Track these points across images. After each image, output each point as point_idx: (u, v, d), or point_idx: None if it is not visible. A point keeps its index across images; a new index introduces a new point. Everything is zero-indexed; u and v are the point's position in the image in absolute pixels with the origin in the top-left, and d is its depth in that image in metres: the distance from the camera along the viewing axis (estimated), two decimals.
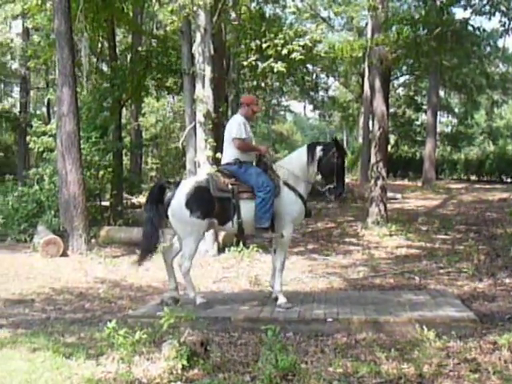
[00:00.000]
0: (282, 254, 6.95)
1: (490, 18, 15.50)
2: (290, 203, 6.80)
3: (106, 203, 17.64)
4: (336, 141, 7.11)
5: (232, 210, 6.71)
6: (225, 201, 6.70)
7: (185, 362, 4.64)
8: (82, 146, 13.83)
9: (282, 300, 6.75)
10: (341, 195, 7.13)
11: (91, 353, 5.25)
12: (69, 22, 12.81)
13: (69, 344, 5.66)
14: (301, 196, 6.87)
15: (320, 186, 7.11)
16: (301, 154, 7.08)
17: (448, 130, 43.35)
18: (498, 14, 15.77)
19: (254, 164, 7.05)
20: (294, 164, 6.99)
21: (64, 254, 12.12)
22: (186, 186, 6.75)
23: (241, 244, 11.77)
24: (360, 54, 18.34)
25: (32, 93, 33.04)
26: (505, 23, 16.21)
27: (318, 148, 7.00)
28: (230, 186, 6.73)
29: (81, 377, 4.58)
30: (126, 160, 24.61)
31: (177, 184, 6.91)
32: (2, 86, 32.45)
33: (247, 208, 6.70)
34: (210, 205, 6.66)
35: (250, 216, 6.70)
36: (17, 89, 32.13)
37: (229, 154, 7.02)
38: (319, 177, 7.13)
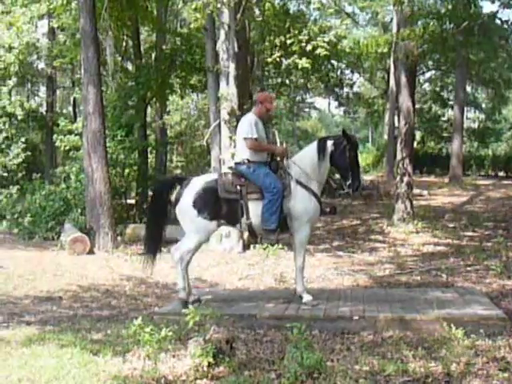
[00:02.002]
0: (301, 254, 6.84)
1: None
2: (303, 202, 6.68)
3: (131, 201, 17.79)
4: (345, 133, 6.96)
5: (240, 212, 6.64)
6: (233, 202, 6.63)
7: (210, 360, 4.63)
8: (107, 145, 13.95)
9: (307, 298, 6.71)
10: (358, 189, 7.01)
11: (118, 350, 5.27)
12: (94, 21, 12.91)
13: (96, 341, 5.70)
14: (315, 194, 6.75)
15: (334, 181, 7.04)
16: (311, 150, 6.93)
17: (475, 125, 42.79)
18: None
19: (266, 163, 6.90)
20: (305, 161, 6.83)
21: (90, 252, 12.23)
22: (195, 186, 6.68)
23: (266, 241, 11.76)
24: (385, 50, 18.21)
25: (58, 92, 33.40)
26: None
27: (329, 143, 6.87)
28: (238, 187, 6.65)
29: (108, 374, 4.61)
30: (150, 158, 24.75)
31: (187, 182, 6.83)
32: (29, 85, 32.79)
33: (256, 209, 6.61)
34: (217, 206, 6.60)
35: (259, 217, 6.62)
36: (43, 88, 32.47)
37: (240, 153, 6.94)
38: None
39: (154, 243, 7.02)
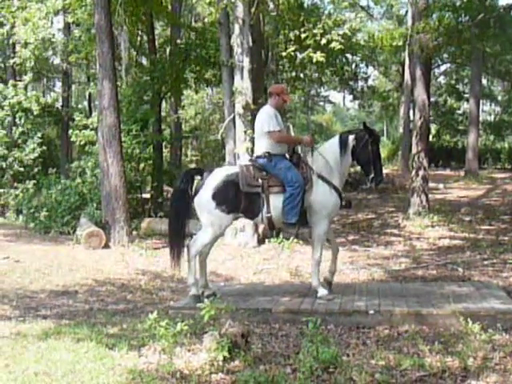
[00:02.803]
0: (318, 248, 6.80)
1: None
2: (324, 196, 6.66)
3: (146, 195, 17.85)
4: (367, 127, 6.91)
5: (261, 205, 6.63)
6: (254, 195, 6.63)
7: (226, 354, 4.63)
8: (122, 139, 14.00)
9: (322, 292, 6.69)
10: (380, 183, 6.99)
11: (133, 344, 5.29)
12: (108, 17, 12.94)
13: (111, 335, 5.73)
14: (336, 188, 6.73)
15: (356, 175, 7.02)
16: (333, 145, 6.91)
17: (491, 118, 42.42)
18: None
19: (286, 156, 6.89)
20: (327, 156, 6.80)
21: (106, 246, 12.29)
22: (216, 178, 6.66)
23: (281, 235, 11.76)
24: (400, 43, 18.11)
25: (74, 87, 33.53)
26: None
27: (351, 137, 6.85)
28: (260, 181, 6.64)
29: (123, 368, 4.63)
30: (165, 152, 24.80)
31: (208, 172, 6.82)
32: (45, 80, 33.00)
33: (277, 202, 6.60)
34: (237, 200, 6.58)
35: (279, 210, 6.60)
36: (59, 83, 32.67)
37: (260, 146, 6.89)
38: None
39: (178, 238, 6.97)
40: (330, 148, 6.93)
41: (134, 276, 9.38)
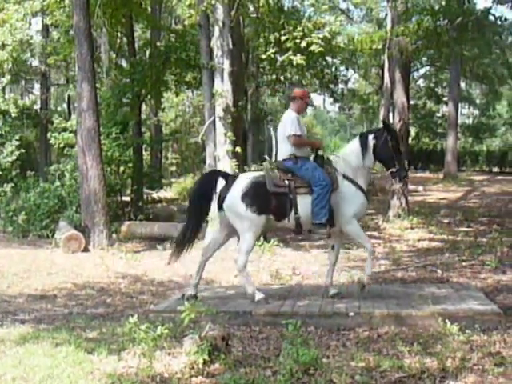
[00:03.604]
0: (364, 240, 6.88)
1: (511, 7, 15.26)
2: (350, 196, 6.70)
3: (126, 198, 17.75)
4: (386, 124, 7.05)
5: (289, 206, 6.64)
6: (281, 196, 6.64)
7: (206, 357, 4.62)
8: (102, 142, 13.93)
9: (367, 276, 6.84)
10: (406, 177, 7.07)
11: (113, 348, 5.25)
12: (87, 18, 12.86)
13: (91, 339, 5.68)
14: (361, 188, 6.78)
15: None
16: (354, 146, 6.98)
17: (469, 121, 42.89)
18: None
19: (310, 159, 6.95)
20: (350, 156, 6.88)
21: (85, 250, 12.20)
22: (243, 181, 6.69)
23: (261, 238, 11.75)
24: (380, 46, 18.16)
25: (52, 89, 33.27)
26: None
27: (370, 137, 6.92)
28: (286, 182, 6.66)
29: (102, 372, 4.59)
30: (146, 155, 24.75)
31: (233, 177, 6.88)
32: (23, 83, 32.68)
33: (304, 203, 6.61)
34: (266, 200, 6.59)
35: (307, 211, 6.61)
36: (37, 86, 32.37)
37: (284, 150, 6.91)
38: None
39: (190, 236, 6.97)
40: (351, 150, 6.99)
41: (114, 279, 9.30)
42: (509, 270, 8.95)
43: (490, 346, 5.12)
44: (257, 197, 6.57)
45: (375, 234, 13.71)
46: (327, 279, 7.12)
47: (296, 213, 6.63)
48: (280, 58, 15.14)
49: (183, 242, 7.00)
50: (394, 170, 6.88)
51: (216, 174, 7.40)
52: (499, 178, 27.12)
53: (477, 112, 42.72)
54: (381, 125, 7.41)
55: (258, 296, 6.65)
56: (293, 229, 6.90)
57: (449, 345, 5.15)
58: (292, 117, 6.94)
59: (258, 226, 6.69)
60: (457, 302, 6.37)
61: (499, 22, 17.70)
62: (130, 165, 17.02)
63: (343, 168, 6.80)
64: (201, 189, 7.07)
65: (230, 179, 6.83)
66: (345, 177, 6.74)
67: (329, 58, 22.86)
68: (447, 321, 5.60)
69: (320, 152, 7.04)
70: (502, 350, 5.04)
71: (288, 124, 6.87)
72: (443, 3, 16.49)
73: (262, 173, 6.91)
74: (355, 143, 7.00)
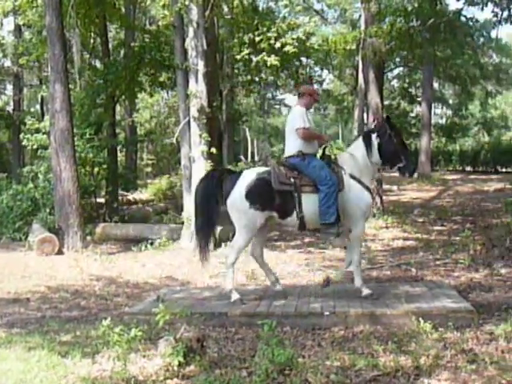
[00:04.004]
0: (357, 249, 6.82)
1: (482, 9, 15.48)
2: (357, 196, 6.67)
3: (101, 200, 17.61)
4: (389, 120, 7.05)
5: (293, 204, 6.59)
6: (286, 194, 6.59)
7: (181, 359, 4.60)
8: (76, 143, 13.80)
9: (366, 292, 6.71)
10: (415, 171, 7.07)
11: (87, 351, 5.21)
12: (60, 18, 12.74)
13: (64, 342, 5.62)
14: (367, 188, 6.77)
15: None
16: (359, 147, 6.94)
17: (443, 121, 43.39)
18: (490, 4, 15.75)
19: (317, 156, 6.90)
20: (356, 157, 6.85)
21: (59, 252, 12.08)
22: (248, 178, 6.64)
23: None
24: (353, 47, 18.28)
25: (25, 90, 32.90)
26: (497, 13, 16.20)
27: (373, 136, 6.91)
28: (291, 179, 6.60)
29: (76, 376, 4.55)
30: (120, 156, 24.57)
31: (237, 174, 6.82)
32: None
33: (309, 202, 6.57)
34: (271, 197, 6.56)
35: (311, 210, 6.57)
36: (10, 86, 31.99)
37: (292, 146, 6.85)
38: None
39: (206, 234, 6.96)
40: (356, 150, 6.95)
41: (89, 282, 9.22)
42: (481, 267, 9.06)
43: (463, 344, 5.18)
44: (261, 194, 6.53)
45: None
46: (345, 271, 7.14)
47: (300, 211, 6.58)
48: (254, 59, 15.14)
49: (203, 239, 6.98)
50: (401, 165, 6.90)
51: (218, 172, 7.32)
52: (472, 177, 27.46)
53: (450, 112, 43.26)
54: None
55: (234, 296, 6.64)
56: (297, 227, 6.89)
57: (423, 343, 5.20)
58: (301, 111, 6.90)
59: (258, 224, 6.64)
60: (430, 301, 6.43)
61: (471, 23, 17.95)
62: (105, 166, 16.88)
63: (350, 167, 6.77)
64: (205, 188, 6.97)
65: (235, 176, 6.78)
66: (351, 176, 6.72)
67: (303, 59, 22.94)
68: (421, 319, 5.65)
69: (327, 150, 7.02)
70: (474, 347, 5.10)
71: (296, 118, 6.83)
72: (416, 4, 16.64)
73: (267, 169, 6.87)
74: (359, 143, 6.97)
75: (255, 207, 6.52)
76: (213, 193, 6.80)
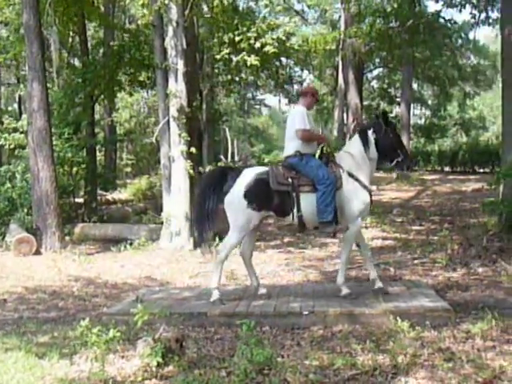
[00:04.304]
0: (347, 248, 6.86)
1: (460, 11, 15.65)
2: (355, 195, 6.68)
3: (80, 200, 17.48)
4: (385, 116, 7.04)
5: (292, 204, 6.60)
6: (284, 194, 6.59)
7: (159, 359, 4.59)
8: (54, 143, 13.69)
9: (345, 291, 6.73)
10: (413, 165, 7.07)
11: (65, 352, 5.17)
12: (38, 16, 12.62)
13: (42, 344, 5.58)
14: (365, 186, 6.77)
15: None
16: (356, 143, 6.94)
17: (422, 122, 43.74)
18: (468, 6, 15.94)
19: (315, 156, 6.90)
20: (353, 154, 6.85)
21: (37, 253, 11.97)
22: (247, 177, 6.62)
23: (217, 239, 11.75)
24: (333, 47, 18.39)
25: (3, 89, 32.52)
26: (475, 15, 16.40)
27: (369, 132, 6.90)
28: (289, 179, 6.60)
29: (53, 377, 4.52)
30: (100, 156, 24.41)
31: (237, 173, 6.78)
32: None
33: (308, 201, 6.57)
34: (268, 198, 6.56)
35: (310, 209, 6.57)
36: None
37: (291, 146, 6.85)
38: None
39: (205, 231, 6.94)
40: (353, 147, 6.96)
41: (67, 283, 9.15)
42: (459, 267, 9.15)
43: (440, 342, 5.23)
44: (259, 194, 6.53)
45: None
46: (371, 273, 7.09)
47: (299, 211, 6.60)
48: (235, 59, 15.12)
49: (201, 242, 6.99)
50: (399, 159, 6.91)
51: (222, 170, 7.28)
52: (450, 177, 27.67)
53: (428, 113, 43.63)
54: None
55: (215, 296, 6.63)
56: (296, 226, 6.89)
57: (400, 342, 5.24)
58: (301, 111, 6.91)
59: (251, 223, 6.64)
60: (408, 300, 6.48)
61: (449, 25, 18.14)
62: (83, 166, 16.75)
63: (348, 165, 6.77)
64: (207, 187, 6.94)
65: (234, 174, 6.75)
66: (350, 175, 6.72)
67: (283, 59, 22.96)
68: (399, 318, 5.70)
69: (325, 149, 7.01)
70: (451, 346, 5.16)
71: (297, 118, 6.83)
72: (395, 6, 16.78)
73: (266, 169, 6.85)
74: (356, 140, 6.96)
75: (252, 207, 6.53)
76: (214, 190, 6.77)
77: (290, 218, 6.74)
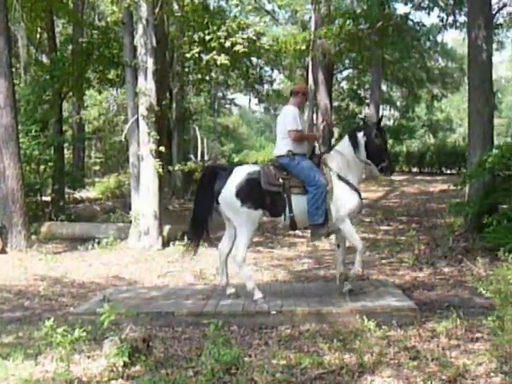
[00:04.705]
0: (356, 239, 6.80)
1: (428, 13, 15.95)
2: (345, 196, 6.68)
3: (47, 198, 17.24)
4: (379, 121, 7.12)
5: (283, 204, 6.59)
6: (275, 195, 6.58)
7: (126, 359, 4.56)
8: (21, 140, 13.49)
9: (346, 287, 6.82)
10: (393, 172, 7.18)
11: (29, 352, 5.10)
12: (4, 11, 12.37)
13: (6, 344, 5.50)
14: (355, 188, 6.77)
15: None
16: (346, 145, 6.93)
17: (390, 123, 44.16)
18: (436, 9, 16.16)
19: (307, 156, 6.88)
20: (344, 155, 6.85)
21: (2, 252, 11.76)
22: (238, 176, 6.58)
23: (186, 238, 11.71)
24: (304, 47, 18.44)
25: None
26: (443, 18, 16.63)
27: (360, 134, 6.92)
28: (280, 180, 6.59)
29: (18, 378, 4.45)
30: (68, 154, 24.10)
31: (228, 172, 6.73)
32: None
33: (299, 202, 6.57)
34: (261, 197, 6.53)
35: (301, 210, 6.57)
36: None
37: (282, 145, 6.83)
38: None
39: (200, 231, 6.95)
40: (344, 148, 6.94)
41: (33, 282, 9.01)
42: (425, 266, 9.28)
43: (406, 341, 5.30)
44: (251, 193, 6.51)
45: (299, 233, 13.87)
46: (339, 272, 7.10)
47: (291, 211, 6.60)
48: (205, 58, 15.08)
49: (193, 240, 7.05)
50: (384, 164, 6.92)
51: (213, 170, 7.19)
52: (418, 178, 28.00)
53: (397, 114, 44.07)
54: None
55: (257, 295, 6.58)
56: (287, 226, 6.89)
57: (367, 340, 5.29)
58: (294, 112, 6.91)
59: (255, 220, 6.63)
60: (375, 299, 6.54)
61: (418, 28, 18.38)
62: (51, 164, 16.52)
63: (338, 167, 6.78)
64: (201, 189, 6.95)
65: (226, 173, 6.71)
66: (339, 177, 6.73)
67: (254, 59, 23.00)
68: (366, 317, 5.77)
69: (317, 150, 7.04)
70: (416, 345, 5.23)
71: (289, 119, 6.81)
72: (365, 7, 16.92)
73: (256, 168, 6.83)
74: (346, 142, 6.96)
75: (247, 206, 6.50)
76: (206, 190, 6.77)
77: (281, 219, 6.75)
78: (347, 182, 6.75)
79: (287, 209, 6.62)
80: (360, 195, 6.87)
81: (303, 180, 6.62)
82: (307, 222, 6.68)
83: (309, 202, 6.54)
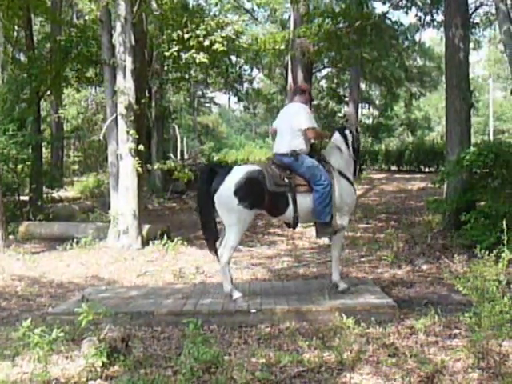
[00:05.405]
0: (339, 244, 6.89)
1: (406, 13, 16.02)
2: (346, 192, 6.70)
3: (25, 198, 17.06)
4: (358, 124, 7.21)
5: (287, 204, 6.52)
6: (280, 195, 6.51)
7: (104, 359, 4.53)
8: None
9: (342, 286, 6.80)
10: (363, 172, 7.25)
11: (6, 353, 5.05)
12: None
13: None
14: (352, 183, 6.79)
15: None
16: (339, 140, 6.94)
17: (369, 121, 44.38)
18: (414, 8, 16.29)
19: (309, 154, 6.84)
20: (341, 149, 6.86)
21: None
22: (237, 175, 6.47)
23: (165, 237, 11.69)
24: (283, 46, 18.47)
25: None
26: (421, 18, 16.77)
27: (347, 132, 6.98)
28: (286, 180, 6.54)
29: None
30: (46, 153, 23.87)
31: (227, 170, 6.63)
32: None
33: (304, 201, 6.53)
34: (260, 197, 6.45)
35: (306, 209, 6.55)
36: None
37: (286, 143, 6.72)
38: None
39: (210, 232, 6.80)
40: (339, 143, 6.94)
41: (10, 282, 8.92)
42: (404, 264, 9.35)
43: (385, 338, 5.34)
44: (252, 193, 6.42)
45: (278, 231, 13.94)
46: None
47: (295, 211, 6.55)
48: (184, 56, 15.03)
49: (209, 239, 6.86)
50: (359, 165, 7.07)
51: (210, 169, 7.11)
52: (397, 176, 28.14)
53: (376, 112, 44.29)
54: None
55: (236, 294, 6.56)
56: (288, 224, 6.88)
57: (346, 338, 5.32)
58: (306, 109, 6.86)
59: (247, 220, 6.56)
60: (354, 297, 6.58)
61: (396, 27, 18.50)
62: (29, 163, 16.33)
63: (337, 162, 6.79)
64: (201, 189, 6.85)
65: (224, 171, 6.62)
66: (340, 173, 6.74)
67: (233, 58, 22.97)
68: (345, 315, 5.79)
69: (315, 147, 6.98)
70: (395, 342, 5.27)
71: (303, 117, 6.72)
72: (343, 6, 16.99)
73: (256, 167, 6.73)
74: (338, 137, 6.97)
75: (244, 205, 6.41)
76: (205, 190, 6.69)
77: (284, 217, 6.73)
78: (347, 178, 6.81)
79: (291, 208, 6.57)
80: (355, 190, 6.97)
81: (309, 179, 6.58)
82: (310, 219, 6.71)
83: (316, 201, 6.52)
